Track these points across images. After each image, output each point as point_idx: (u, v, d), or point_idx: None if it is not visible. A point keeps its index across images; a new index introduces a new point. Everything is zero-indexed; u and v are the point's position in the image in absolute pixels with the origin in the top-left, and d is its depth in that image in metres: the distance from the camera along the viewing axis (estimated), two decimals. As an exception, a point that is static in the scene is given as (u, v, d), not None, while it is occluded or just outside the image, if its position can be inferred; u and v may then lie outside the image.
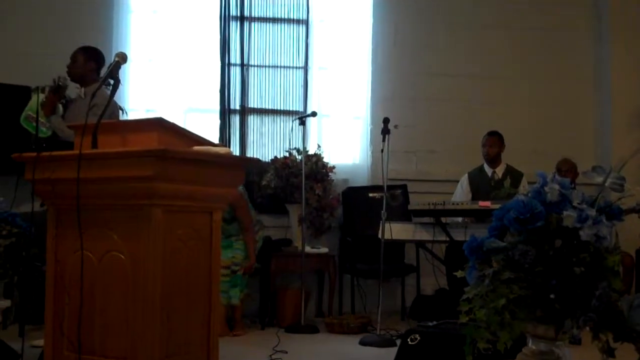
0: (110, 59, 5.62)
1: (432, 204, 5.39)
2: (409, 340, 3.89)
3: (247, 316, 5.86)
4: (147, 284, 2.99)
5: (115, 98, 3.60)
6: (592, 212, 2.35)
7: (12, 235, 4.42)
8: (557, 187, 2.42)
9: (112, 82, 3.45)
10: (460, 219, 5.83)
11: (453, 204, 5.61)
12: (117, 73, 3.45)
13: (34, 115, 4.91)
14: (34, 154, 3.26)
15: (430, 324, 4.03)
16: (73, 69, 5.14)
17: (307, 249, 6.05)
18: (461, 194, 6.25)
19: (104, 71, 5.11)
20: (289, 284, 6.28)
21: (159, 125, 3.21)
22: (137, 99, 6.68)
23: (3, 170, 5.78)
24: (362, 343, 5.17)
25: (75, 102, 5.16)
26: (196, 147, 3.30)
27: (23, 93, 5.85)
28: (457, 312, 2.45)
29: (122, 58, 3.48)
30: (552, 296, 2.28)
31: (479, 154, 6.32)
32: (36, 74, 5.32)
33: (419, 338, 3.84)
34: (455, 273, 2.57)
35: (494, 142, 6.24)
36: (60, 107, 5.08)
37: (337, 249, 6.58)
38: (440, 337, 3.83)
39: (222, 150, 3.43)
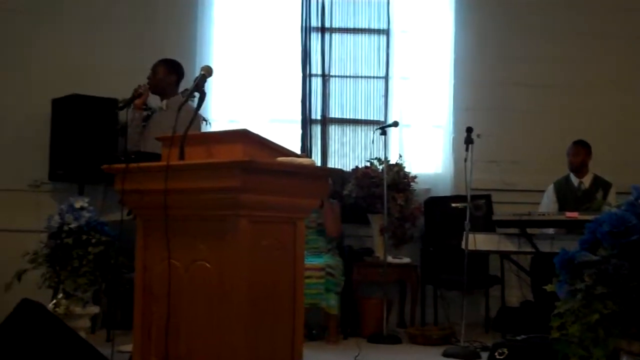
0: (194, 70, 5.77)
1: (517, 214, 5.29)
2: (496, 354, 3.82)
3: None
4: (233, 293, 3.02)
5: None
6: (691, 226, 2.27)
7: (101, 243, 4.55)
8: (653, 199, 2.35)
9: (197, 94, 3.50)
10: (551, 230, 5.69)
11: (539, 214, 5.49)
12: (203, 86, 3.49)
13: None
14: (123, 165, 3.33)
15: (519, 337, 3.94)
16: (154, 80, 5.25)
17: (389, 258, 6.02)
18: (547, 204, 6.12)
19: (183, 84, 5.23)
20: (371, 294, 6.25)
21: (244, 136, 3.24)
22: (221, 110, 6.78)
23: (91, 179, 5.99)
24: (446, 355, 5.10)
25: (157, 114, 5.28)
26: (280, 158, 3.32)
27: (109, 105, 6.03)
28: (543, 325, 2.40)
29: (208, 71, 3.52)
30: (648, 312, 2.20)
31: (564, 163, 6.17)
32: (121, 87, 5.46)
33: (507, 352, 3.76)
34: (544, 287, 2.52)
35: (578, 151, 6.09)
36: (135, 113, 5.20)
37: (419, 259, 6.52)
38: (530, 351, 3.73)
39: (306, 161, 3.44)
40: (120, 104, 5.10)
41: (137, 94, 5.07)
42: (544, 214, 5.53)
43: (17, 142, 6.52)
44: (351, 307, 6.04)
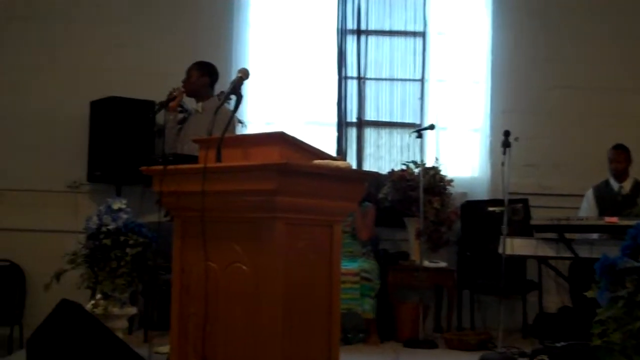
0: (230, 73, 5.80)
1: (555, 219, 5.22)
2: (535, 360, 3.78)
3: (364, 330, 5.81)
4: (269, 295, 3.01)
5: (235, 111, 3.67)
6: None
7: (139, 244, 4.59)
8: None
9: (232, 97, 3.50)
10: (595, 236, 5.60)
11: (578, 219, 5.41)
12: (240, 89, 3.49)
13: None
14: (161, 167, 3.35)
15: (558, 344, 3.88)
16: (187, 84, 5.29)
17: (425, 262, 5.98)
18: (587, 209, 6.02)
19: (220, 86, 5.26)
20: (407, 298, 6.21)
21: (280, 139, 3.23)
22: (257, 112, 6.81)
23: (129, 180, 6.05)
24: (482, 360, 5.06)
25: (193, 116, 5.31)
26: (316, 161, 3.31)
27: (146, 107, 6.10)
28: (582, 331, 2.36)
29: (245, 74, 3.52)
30: (692, 320, 2.15)
31: (603, 167, 6.08)
32: (159, 89, 5.51)
33: (546, 359, 3.71)
34: (585, 293, 2.48)
35: (621, 156, 5.98)
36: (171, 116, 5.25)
37: (456, 263, 6.47)
38: (570, 359, 3.67)
39: (342, 164, 3.42)
40: (156, 107, 5.16)
41: (171, 97, 5.12)
42: (582, 219, 5.44)
43: (56, 143, 6.62)
44: (387, 311, 6.02)
